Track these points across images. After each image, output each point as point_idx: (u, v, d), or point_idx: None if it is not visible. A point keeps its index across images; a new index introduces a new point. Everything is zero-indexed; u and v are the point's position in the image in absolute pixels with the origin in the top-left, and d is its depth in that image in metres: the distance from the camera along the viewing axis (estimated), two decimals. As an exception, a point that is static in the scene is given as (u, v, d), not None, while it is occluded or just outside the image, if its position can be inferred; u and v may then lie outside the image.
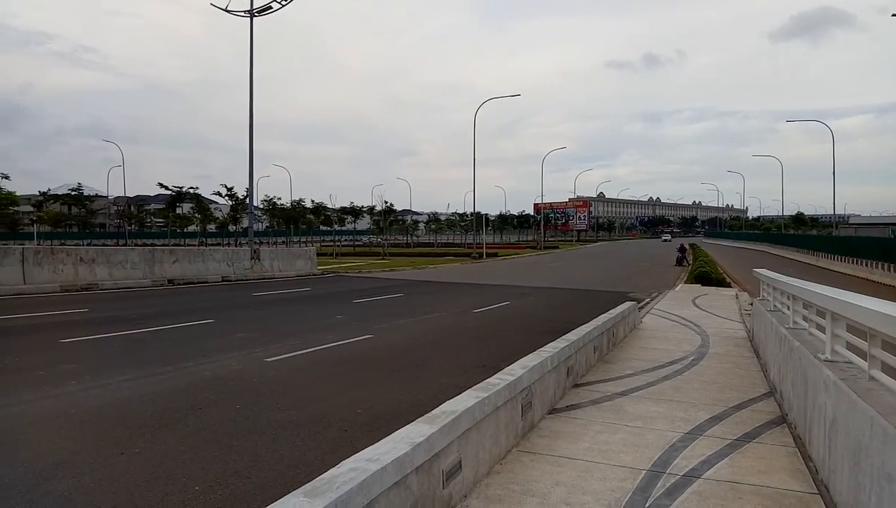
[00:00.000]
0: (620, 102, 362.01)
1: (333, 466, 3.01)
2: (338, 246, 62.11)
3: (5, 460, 5.00)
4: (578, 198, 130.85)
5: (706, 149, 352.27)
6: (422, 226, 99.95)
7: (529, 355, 6.34)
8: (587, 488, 4.36)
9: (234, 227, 69.80)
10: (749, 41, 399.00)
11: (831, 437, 4.20)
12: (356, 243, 76.86)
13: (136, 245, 49.58)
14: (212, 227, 73.19)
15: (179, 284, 22.22)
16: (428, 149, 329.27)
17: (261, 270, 26.54)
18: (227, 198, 65.14)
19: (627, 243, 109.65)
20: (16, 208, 55.80)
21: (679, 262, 40.07)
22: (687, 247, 47.07)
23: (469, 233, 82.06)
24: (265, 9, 28.26)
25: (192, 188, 67.15)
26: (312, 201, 77.64)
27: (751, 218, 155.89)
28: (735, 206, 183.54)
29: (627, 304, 12.50)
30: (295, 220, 74.12)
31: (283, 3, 28.26)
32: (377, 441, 3.41)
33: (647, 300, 19.50)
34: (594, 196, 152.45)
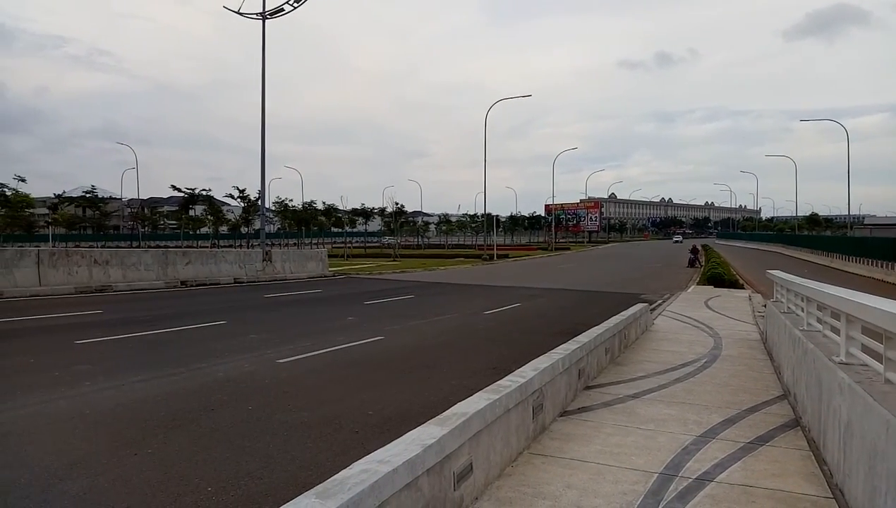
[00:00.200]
0: (632, 102, 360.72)
1: (345, 467, 3.02)
2: (349, 247, 62.30)
3: (21, 460, 5.06)
4: (590, 199, 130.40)
5: (719, 149, 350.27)
6: (432, 227, 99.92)
7: (540, 357, 6.32)
8: (599, 491, 4.35)
9: (247, 229, 70.18)
10: (763, 39, 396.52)
11: (846, 441, 4.16)
12: (367, 245, 77.07)
13: (150, 247, 50.04)
14: (224, 229, 73.61)
15: (192, 286, 22.38)
16: (438, 150, 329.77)
17: (272, 272, 26.68)
18: (239, 199, 65.50)
19: (639, 244, 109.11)
20: (31, 210, 56.39)
21: (691, 264, 39.84)
22: (699, 248, 46.78)
23: (480, 234, 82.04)
24: (277, 11, 28.42)
25: (204, 190, 67.60)
26: (324, 203, 77.81)
27: (764, 218, 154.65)
28: (748, 207, 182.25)
29: (639, 306, 12.44)
30: (306, 222, 74.34)
31: (295, 5, 28.40)
32: (388, 443, 3.42)
33: (660, 302, 19.39)
34: (606, 197, 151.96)
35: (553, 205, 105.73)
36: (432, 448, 3.43)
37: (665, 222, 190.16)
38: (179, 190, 64.87)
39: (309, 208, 75.15)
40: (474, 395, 4.60)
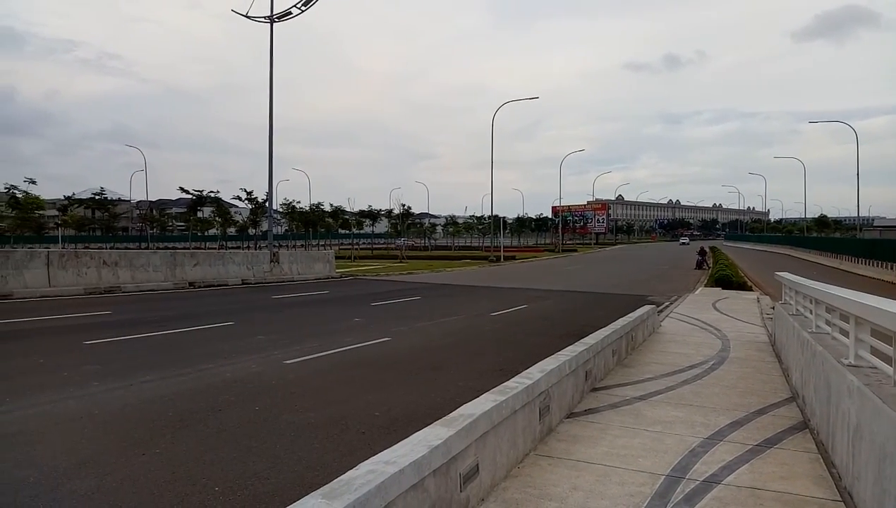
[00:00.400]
0: (639, 104, 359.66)
1: (351, 468, 3.02)
2: (356, 249, 62.44)
3: (31, 459, 5.09)
4: (597, 201, 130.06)
5: (727, 150, 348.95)
6: (439, 229, 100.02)
7: (547, 359, 6.31)
8: (605, 493, 4.34)
9: (254, 231, 70.49)
10: (772, 41, 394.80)
11: (855, 444, 4.13)
12: (374, 246, 77.15)
13: (158, 248, 50.31)
14: (232, 231, 73.98)
15: (200, 287, 22.48)
16: (445, 152, 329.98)
17: (280, 273, 26.76)
18: (246, 201, 65.85)
19: (646, 246, 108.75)
20: (41, 212, 56.82)
21: (699, 265, 39.68)
22: (707, 250, 46.58)
23: (486, 236, 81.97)
24: (285, 14, 28.52)
25: (212, 192, 68.07)
26: (331, 205, 78.16)
27: (772, 220, 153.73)
28: (756, 209, 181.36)
29: (646, 308, 12.39)
30: (314, 224, 74.58)
31: (303, 8, 28.51)
32: (395, 444, 3.42)
33: (667, 303, 19.33)
34: (613, 198, 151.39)
35: (560, 206, 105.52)
36: (439, 450, 3.44)
37: (673, 224, 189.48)
38: (188, 192, 65.34)
39: (316, 210, 75.40)
40: (481, 397, 4.60)
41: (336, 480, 2.85)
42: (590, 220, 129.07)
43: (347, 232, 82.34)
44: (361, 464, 3.06)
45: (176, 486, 4.60)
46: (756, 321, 15.18)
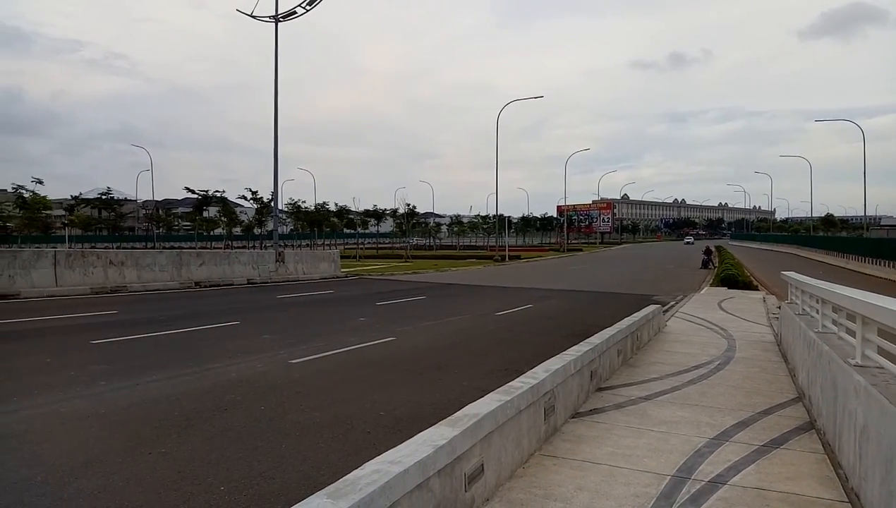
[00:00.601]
0: (645, 103, 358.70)
1: (356, 468, 3.03)
2: (361, 248, 62.50)
3: (38, 458, 5.12)
4: (602, 200, 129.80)
5: (733, 149, 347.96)
6: (444, 228, 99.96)
7: (552, 358, 6.31)
8: (611, 493, 4.33)
9: (260, 230, 70.61)
10: (777, 39, 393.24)
11: (862, 444, 4.11)
12: (379, 246, 77.18)
13: (164, 248, 50.48)
14: (237, 230, 74.13)
15: (206, 286, 22.55)
16: (450, 152, 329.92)
17: (285, 273, 26.81)
18: (252, 201, 65.94)
19: (652, 246, 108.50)
20: (48, 212, 57.07)
21: (704, 265, 39.58)
22: (713, 249, 46.44)
23: (491, 235, 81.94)
24: (290, 14, 28.57)
25: (218, 191, 68.12)
26: (336, 204, 78.16)
27: (778, 219, 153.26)
28: (762, 208, 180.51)
29: (652, 307, 12.37)
30: (319, 223, 74.66)
31: (308, 7, 28.55)
32: (400, 444, 3.43)
33: (672, 303, 19.28)
34: (618, 198, 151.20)
35: (565, 206, 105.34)
36: (443, 449, 3.44)
37: (678, 223, 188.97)
38: (193, 191, 65.45)
39: (321, 209, 75.48)
40: (486, 396, 4.60)
41: (341, 480, 2.86)
42: (595, 220, 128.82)
43: (352, 231, 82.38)
44: (366, 464, 3.07)
45: (182, 486, 4.62)
46: (762, 320, 15.12)
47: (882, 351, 4.60)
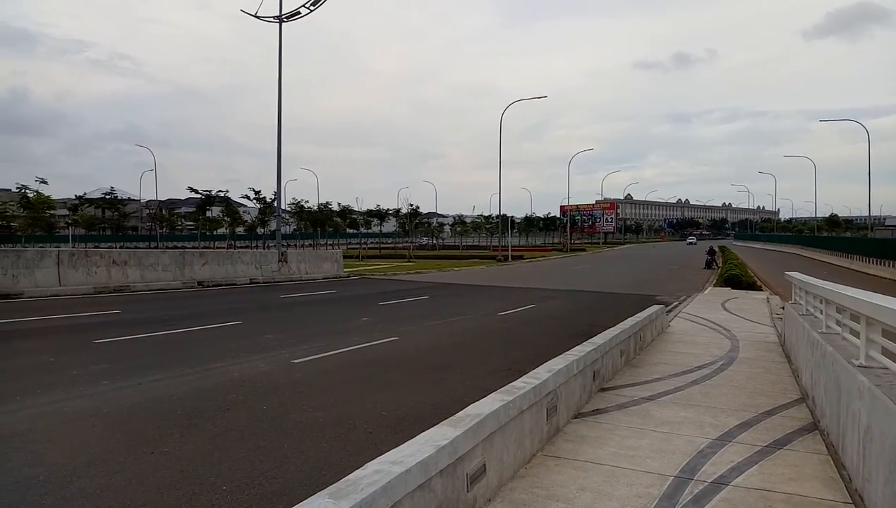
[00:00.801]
0: (648, 103, 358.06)
1: (358, 467, 3.02)
2: (364, 248, 62.53)
3: (40, 458, 5.13)
4: (605, 200, 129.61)
5: (736, 149, 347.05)
6: (447, 228, 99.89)
7: (555, 358, 6.29)
8: (613, 493, 4.32)
9: (263, 230, 70.68)
10: (782, 39, 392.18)
11: (866, 445, 4.09)
12: (382, 246, 77.20)
13: (167, 247, 50.55)
14: (240, 230, 74.20)
15: (209, 286, 22.58)
16: (453, 152, 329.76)
17: (288, 272, 26.83)
18: (255, 201, 66.05)
19: (655, 246, 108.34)
20: (52, 212, 57.28)
21: (708, 265, 39.49)
22: (716, 249, 46.34)
23: (494, 235, 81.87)
24: (293, 14, 28.60)
25: (221, 191, 68.32)
26: (339, 204, 78.23)
27: (782, 219, 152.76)
28: (766, 208, 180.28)
29: (655, 308, 12.34)
30: (322, 223, 74.74)
31: (312, 7, 28.58)
32: (402, 444, 3.42)
33: (676, 303, 19.24)
34: (621, 198, 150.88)
35: (568, 206, 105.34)
36: (445, 450, 3.43)
37: (682, 223, 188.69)
38: (197, 191, 65.60)
39: (324, 209, 75.54)
40: (488, 396, 4.59)
41: (343, 480, 2.85)
42: (598, 220, 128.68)
43: (355, 231, 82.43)
44: (368, 464, 3.06)
45: (184, 485, 4.62)
46: (765, 321, 15.08)
47: (886, 352, 4.58)
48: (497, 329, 13.67)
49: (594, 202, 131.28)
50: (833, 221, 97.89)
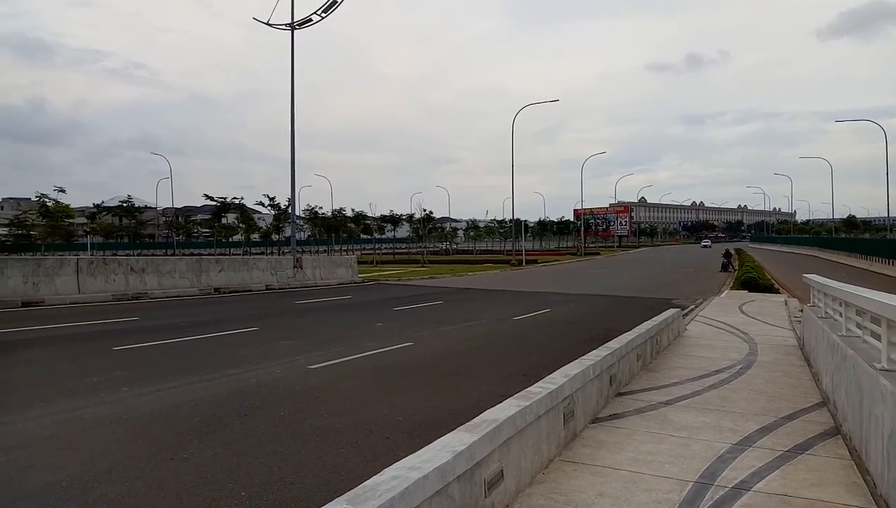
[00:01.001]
0: (661, 105, 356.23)
1: (375, 473, 3.03)
2: (378, 254, 62.70)
3: (62, 463, 5.19)
4: (619, 204, 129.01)
5: (751, 151, 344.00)
6: (460, 233, 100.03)
7: (571, 363, 6.27)
8: (632, 499, 4.29)
9: (277, 236, 71.19)
10: (795, 40, 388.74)
11: (890, 450, 4.03)
12: (396, 251, 77.41)
13: (184, 255, 51.01)
14: (255, 237, 74.80)
15: (225, 293, 22.75)
16: (466, 156, 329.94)
17: (303, 278, 26.98)
18: (269, 207, 66.57)
19: (670, 249, 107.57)
20: (71, 220, 58.02)
21: (724, 268, 39.13)
22: (732, 252, 45.93)
23: (508, 239, 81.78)
24: (305, 21, 28.84)
25: (236, 198, 68.99)
26: (353, 210, 78.83)
27: (799, 221, 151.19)
28: (783, 210, 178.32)
29: (671, 311, 12.25)
30: (336, 229, 75.17)
31: (323, 15, 28.80)
32: (418, 449, 3.42)
33: (692, 307, 19.09)
34: (635, 201, 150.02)
35: (582, 209, 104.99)
36: (462, 455, 3.43)
37: (697, 226, 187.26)
38: (212, 198, 66.29)
39: (338, 215, 76.02)
40: (504, 402, 4.59)
41: (360, 486, 2.86)
42: (612, 223, 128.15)
43: (369, 237, 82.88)
44: (386, 470, 3.07)
45: (204, 491, 4.66)
46: (784, 324, 14.92)
47: (909, 355, 4.51)
48: (512, 334, 13.64)
49: (608, 205, 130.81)
50: (851, 222, 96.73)
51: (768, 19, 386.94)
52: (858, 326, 6.61)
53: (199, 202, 76.34)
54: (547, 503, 4.21)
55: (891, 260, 38.63)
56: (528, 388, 5.06)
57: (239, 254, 51.14)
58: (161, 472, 5.03)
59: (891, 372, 4.57)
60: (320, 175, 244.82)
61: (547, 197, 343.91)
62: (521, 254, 53.16)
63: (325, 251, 71.05)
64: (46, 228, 53.53)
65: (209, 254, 49.42)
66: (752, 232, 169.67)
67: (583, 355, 6.81)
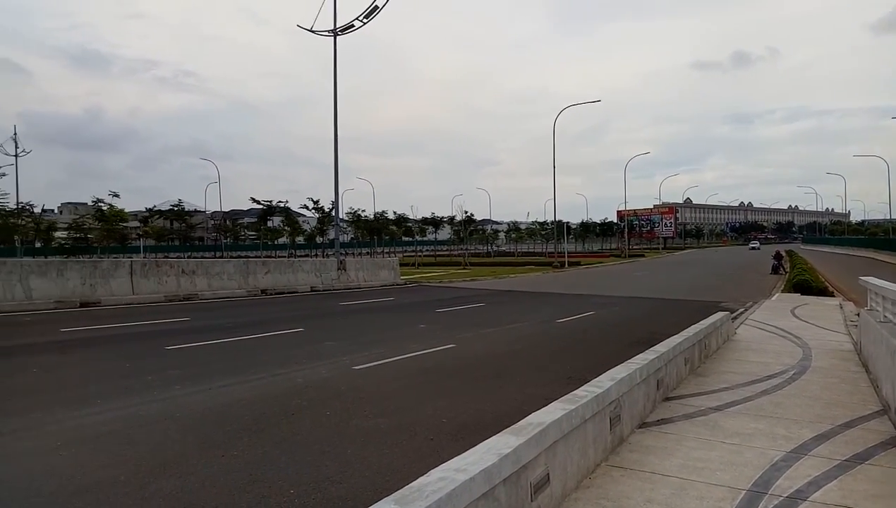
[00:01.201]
0: (707, 104, 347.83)
1: (420, 474, 3.05)
2: (419, 256, 63.03)
3: (120, 458, 5.39)
4: (664, 205, 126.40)
5: (802, 150, 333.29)
6: (502, 235, 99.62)
7: (617, 366, 6.18)
8: (682, 507, 4.20)
9: (321, 239, 72.26)
10: (848, 35, 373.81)
11: (958, 461, 3.85)
12: (437, 253, 77.63)
13: (231, 257, 52.27)
14: (300, 239, 76.05)
15: (271, 294, 23.22)
16: (507, 158, 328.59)
17: (346, 280, 27.32)
18: (313, 211, 67.68)
19: (717, 250, 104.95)
20: (125, 224, 60.12)
21: (775, 270, 37.95)
22: (783, 253, 44.50)
23: (550, 241, 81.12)
24: (347, 27, 29.24)
25: (281, 202, 70.27)
26: (395, 212, 79.39)
27: (854, 222, 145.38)
28: (836, 210, 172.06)
29: (720, 314, 11.95)
30: (378, 232, 75.85)
31: (365, 20, 29.14)
32: (463, 451, 3.43)
33: (741, 310, 18.57)
34: (680, 202, 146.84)
35: (625, 210, 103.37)
36: (508, 458, 3.42)
37: (745, 227, 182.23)
38: (258, 202, 67.65)
39: (380, 218, 76.68)
40: (550, 405, 4.55)
41: (407, 486, 2.89)
42: (657, 224, 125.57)
43: (411, 239, 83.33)
44: (432, 471, 3.09)
45: (254, 488, 4.76)
46: (839, 328, 14.38)
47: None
48: (555, 336, 13.52)
49: (652, 206, 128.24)
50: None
51: (819, 15, 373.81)
52: (922, 331, 6.32)
53: (246, 205, 78.18)
54: (594, 508, 4.16)
55: (955, 262, 36.80)
56: (574, 391, 5.01)
57: (284, 257, 52.16)
58: (212, 469, 5.17)
59: (958, 379, 4.36)
60: (363, 178, 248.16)
61: (589, 198, 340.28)
62: (564, 256, 52.67)
63: (367, 253, 71.81)
64: (102, 232, 55.60)
65: (256, 257, 50.56)
66: (804, 233, 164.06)
67: (628, 358, 6.70)
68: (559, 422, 4.18)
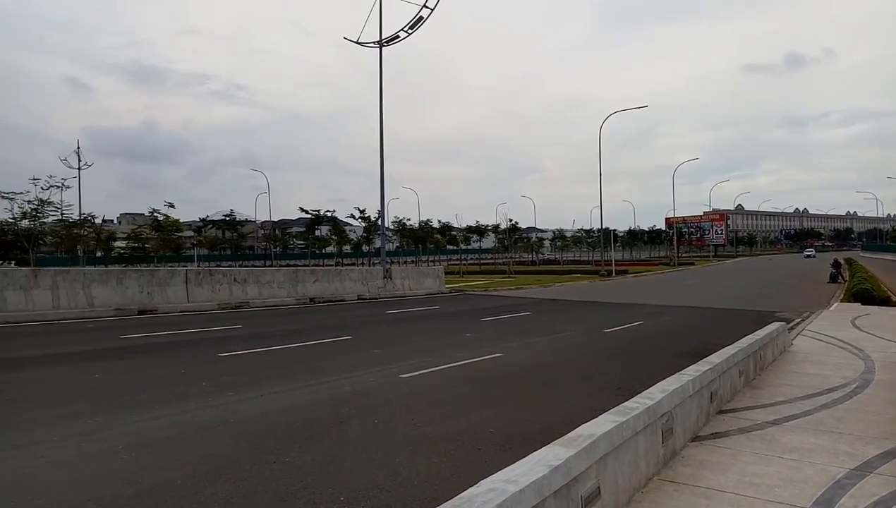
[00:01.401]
0: (759, 108, 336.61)
1: (468, 484, 3.06)
2: (464, 264, 63.07)
3: (177, 462, 5.56)
4: (714, 211, 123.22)
5: (860, 154, 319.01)
6: (547, 243, 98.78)
7: (669, 378, 6.06)
8: (738, 523, 4.08)
9: (368, 248, 73.09)
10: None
11: None
12: (481, 261, 77.54)
13: (281, 266, 53.43)
14: (347, 248, 77.12)
15: (319, 302, 23.62)
16: (552, 165, 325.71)
17: (392, 289, 27.57)
18: (360, 220, 68.54)
19: (771, 258, 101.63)
20: (180, 233, 62.20)
21: (833, 279, 36.51)
22: (841, 261, 42.76)
23: (596, 249, 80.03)
24: (393, 38, 29.67)
25: (328, 211, 71.53)
26: (439, 221, 79.66)
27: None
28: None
29: (776, 324, 11.56)
30: (423, 240, 76.28)
31: (410, 31, 29.52)
32: (511, 462, 3.42)
33: (798, 320, 17.92)
34: (731, 208, 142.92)
35: (674, 218, 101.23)
36: (559, 470, 3.39)
37: (800, 234, 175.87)
38: (306, 211, 69.07)
39: (425, 227, 77.11)
40: (599, 416, 4.50)
41: (457, 497, 2.90)
42: (707, 232, 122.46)
43: (455, 247, 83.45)
44: (482, 482, 3.09)
45: (305, 494, 4.85)
46: (905, 340, 13.71)
47: None
48: (603, 346, 13.33)
49: (702, 213, 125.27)
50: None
51: (877, 14, 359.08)
52: None
53: (295, 215, 79.84)
54: (646, 523, 4.08)
55: None
56: (625, 403, 4.94)
57: (332, 265, 52.99)
58: (265, 474, 5.28)
59: None
60: (408, 187, 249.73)
61: (636, 205, 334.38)
62: (611, 264, 51.85)
63: (412, 262, 72.30)
64: (158, 241, 57.69)
65: (304, 265, 51.50)
66: (864, 240, 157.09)
67: (679, 369, 6.56)
68: (609, 434, 4.13)
